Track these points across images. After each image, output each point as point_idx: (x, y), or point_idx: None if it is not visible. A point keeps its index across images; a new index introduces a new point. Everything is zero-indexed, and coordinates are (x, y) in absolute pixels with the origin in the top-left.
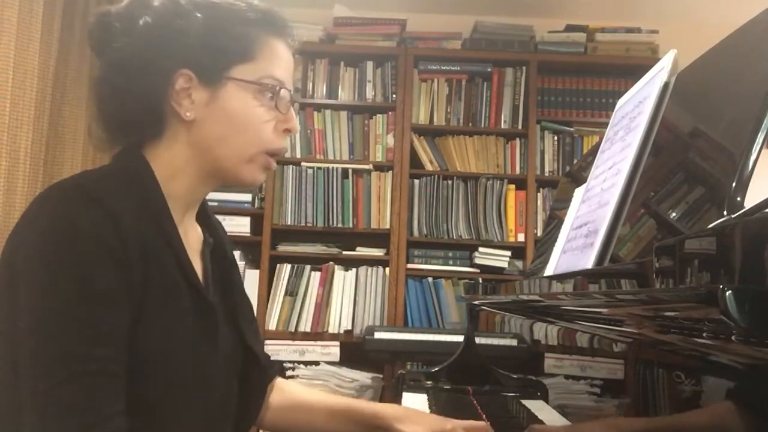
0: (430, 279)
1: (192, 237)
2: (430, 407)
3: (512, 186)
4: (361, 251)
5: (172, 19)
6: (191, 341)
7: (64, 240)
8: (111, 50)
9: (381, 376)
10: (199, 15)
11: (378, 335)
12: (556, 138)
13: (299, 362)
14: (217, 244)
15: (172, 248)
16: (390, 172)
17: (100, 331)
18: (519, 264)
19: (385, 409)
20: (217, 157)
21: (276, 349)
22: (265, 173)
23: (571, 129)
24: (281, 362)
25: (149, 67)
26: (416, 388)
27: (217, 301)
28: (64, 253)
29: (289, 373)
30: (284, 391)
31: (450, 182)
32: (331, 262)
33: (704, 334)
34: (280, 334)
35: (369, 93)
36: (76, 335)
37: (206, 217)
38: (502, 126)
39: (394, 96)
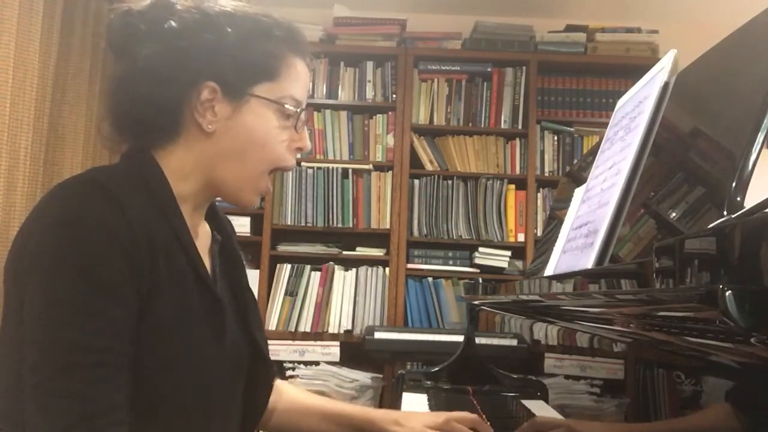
0: (430, 279)
1: (201, 234)
2: (430, 407)
3: (512, 186)
4: (361, 251)
5: (202, 32)
6: (198, 336)
7: (73, 231)
8: (137, 55)
9: (381, 376)
10: (230, 30)
11: (378, 335)
12: (556, 138)
13: (299, 362)
14: (226, 241)
15: (181, 243)
16: (390, 172)
17: (104, 322)
18: (519, 264)
19: (378, 414)
20: (224, 171)
21: (276, 349)
22: (259, 196)
23: (571, 129)
24: (281, 362)
25: (176, 77)
26: (416, 388)
27: (225, 296)
28: (72, 243)
29: (289, 373)
30: (281, 393)
31: (450, 182)
32: (331, 262)
33: (704, 334)
34: (280, 334)
35: (369, 93)
36: (80, 326)
37: (215, 215)
38: (502, 126)
39: (394, 96)
